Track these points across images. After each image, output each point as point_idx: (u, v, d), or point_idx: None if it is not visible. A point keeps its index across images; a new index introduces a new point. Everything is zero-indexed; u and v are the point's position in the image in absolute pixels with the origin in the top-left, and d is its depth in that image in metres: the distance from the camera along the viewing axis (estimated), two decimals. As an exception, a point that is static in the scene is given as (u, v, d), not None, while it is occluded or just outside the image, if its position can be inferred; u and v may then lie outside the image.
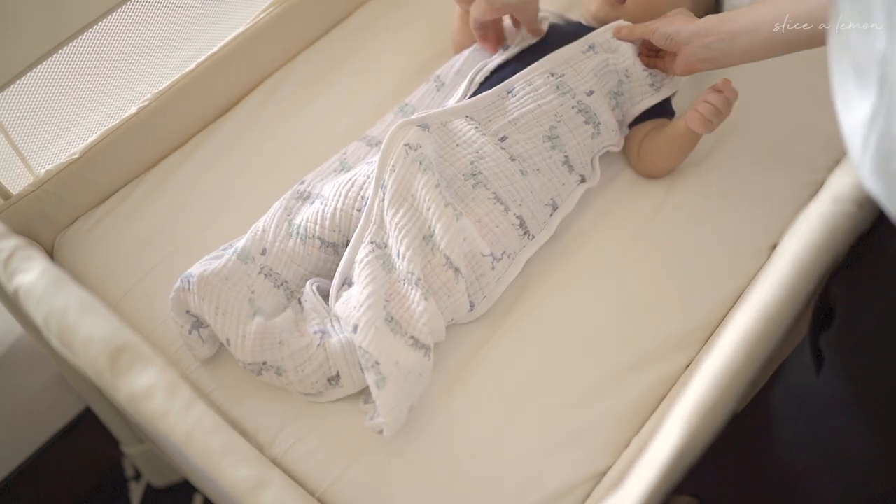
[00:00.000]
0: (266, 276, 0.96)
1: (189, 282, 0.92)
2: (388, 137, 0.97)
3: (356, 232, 0.96)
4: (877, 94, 0.56)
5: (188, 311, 0.93)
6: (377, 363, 0.84)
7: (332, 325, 0.91)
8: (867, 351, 0.74)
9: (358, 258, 0.94)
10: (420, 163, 0.95)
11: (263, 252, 0.97)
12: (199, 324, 0.93)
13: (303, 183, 1.04)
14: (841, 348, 0.76)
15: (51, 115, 1.10)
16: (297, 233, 0.98)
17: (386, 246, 0.95)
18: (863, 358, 0.75)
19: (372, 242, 0.94)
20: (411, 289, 0.91)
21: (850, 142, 0.60)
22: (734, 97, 1.02)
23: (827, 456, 0.83)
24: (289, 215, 1.00)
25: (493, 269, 0.97)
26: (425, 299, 0.90)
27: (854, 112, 0.58)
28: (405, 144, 0.96)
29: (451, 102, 1.07)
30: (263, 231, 0.98)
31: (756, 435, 0.93)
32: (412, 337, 0.89)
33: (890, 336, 0.72)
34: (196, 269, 0.94)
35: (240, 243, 0.97)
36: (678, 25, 1.02)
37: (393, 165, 0.96)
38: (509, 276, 1.00)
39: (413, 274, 0.91)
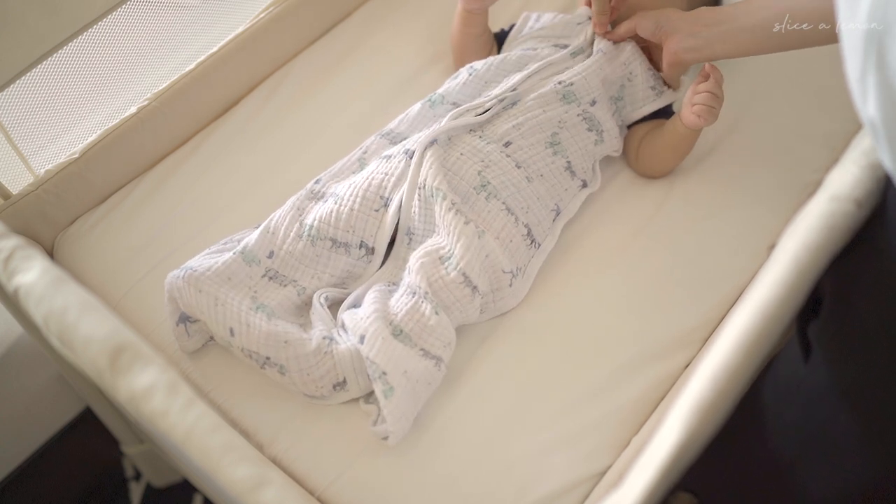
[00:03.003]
0: (271, 278, 0.96)
1: (186, 276, 0.92)
2: (406, 189, 0.97)
3: (379, 271, 0.98)
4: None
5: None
6: (384, 373, 0.84)
7: (339, 334, 0.92)
8: (855, 338, 0.74)
9: (374, 287, 0.95)
10: (432, 195, 0.96)
11: (270, 255, 0.97)
12: (187, 316, 0.93)
13: (318, 182, 1.03)
14: (829, 337, 0.76)
15: (51, 115, 1.09)
16: (308, 234, 0.97)
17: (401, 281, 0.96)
18: (851, 345, 0.75)
19: (391, 283, 0.97)
20: (421, 301, 0.90)
21: (853, 91, 0.60)
22: (721, 78, 1.01)
23: (817, 444, 0.84)
24: (301, 215, 0.99)
25: (510, 285, 0.98)
26: (437, 313, 0.90)
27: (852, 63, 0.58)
28: (418, 188, 0.97)
29: (496, 91, 1.05)
30: (273, 232, 0.98)
31: (747, 427, 0.93)
32: (422, 349, 0.89)
33: (877, 324, 0.72)
34: (198, 265, 0.94)
35: (249, 239, 0.97)
36: (666, 15, 1.02)
37: (415, 212, 0.97)
38: (521, 292, 1.00)
39: (420, 287, 0.91)
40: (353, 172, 1.05)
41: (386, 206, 0.98)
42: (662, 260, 1.04)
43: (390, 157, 1.00)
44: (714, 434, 0.64)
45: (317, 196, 1.01)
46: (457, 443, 0.90)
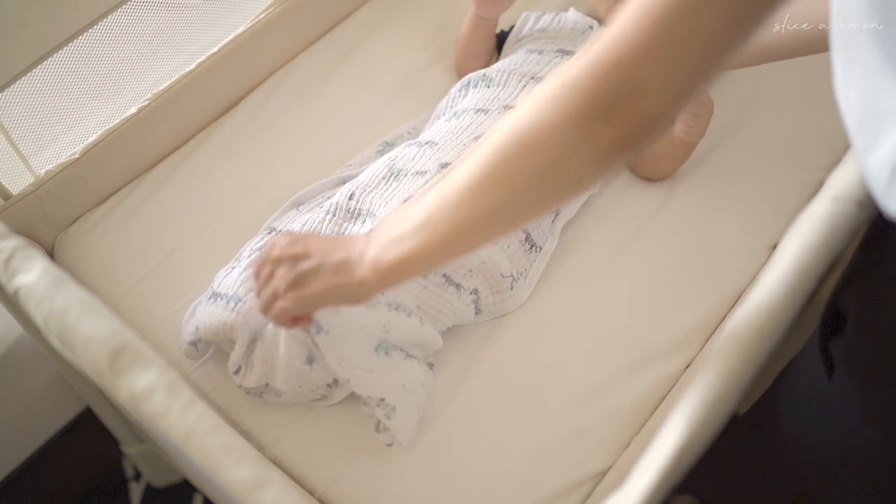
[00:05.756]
0: None
1: (235, 306, 0.89)
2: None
3: None
4: None
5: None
6: (382, 399, 0.84)
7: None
8: (883, 357, 0.71)
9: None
10: None
11: None
12: (199, 339, 0.93)
13: (352, 198, 0.96)
14: (856, 354, 0.72)
15: (51, 115, 1.09)
16: None
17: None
18: (879, 364, 0.71)
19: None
20: (404, 315, 0.89)
21: (876, 174, 0.55)
22: (707, 97, 1.01)
23: (847, 463, 0.80)
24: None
25: (511, 288, 0.97)
26: (422, 324, 0.90)
27: (888, 142, 0.54)
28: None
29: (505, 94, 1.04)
30: None
31: (763, 438, 0.90)
32: (401, 350, 0.88)
33: None
34: (242, 291, 0.90)
35: None
36: None
37: None
38: (524, 295, 1.00)
39: (403, 302, 0.89)
40: (384, 179, 0.97)
41: None
42: (663, 260, 1.04)
43: (424, 173, 0.96)
44: (715, 435, 0.64)
45: (354, 214, 0.95)
46: (457, 443, 0.90)
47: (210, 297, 0.93)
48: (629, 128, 0.52)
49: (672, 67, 0.50)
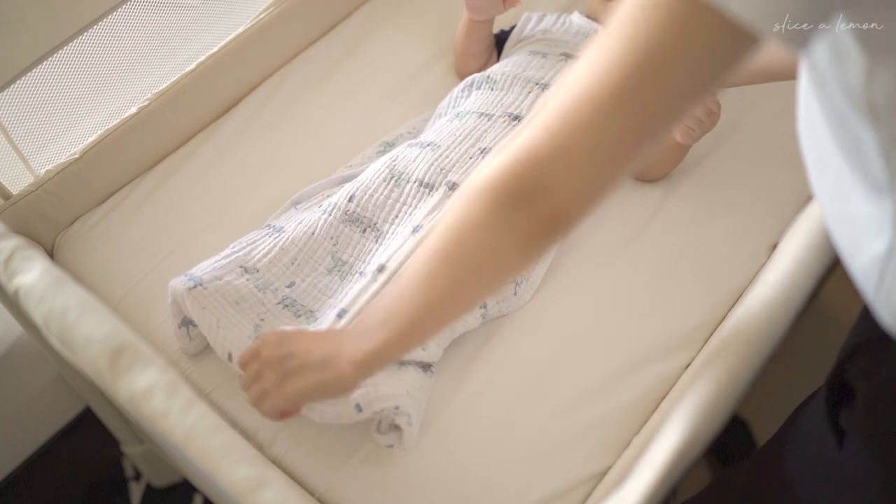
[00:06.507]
0: (286, 306, 0.93)
1: (193, 291, 0.89)
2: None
3: None
4: (891, 227, 0.53)
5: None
6: (397, 407, 0.84)
7: None
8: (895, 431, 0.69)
9: None
10: None
11: (291, 285, 0.94)
12: (189, 320, 0.93)
13: (352, 200, 0.97)
14: (868, 426, 0.71)
15: (51, 115, 1.09)
16: (339, 269, 0.93)
17: None
18: (893, 438, 0.70)
19: None
20: None
21: (863, 281, 0.57)
22: (717, 108, 1.00)
23: None
24: (334, 245, 0.95)
25: (514, 294, 0.97)
26: (424, 350, 0.89)
27: (866, 250, 0.55)
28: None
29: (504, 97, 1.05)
30: (299, 264, 0.95)
31: (773, 498, 0.89)
32: (402, 362, 0.88)
33: None
34: (206, 277, 0.91)
35: (263, 261, 0.94)
36: None
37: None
38: (525, 297, 1.00)
39: None
40: (385, 181, 0.97)
41: None
42: (663, 260, 1.04)
43: (431, 187, 0.96)
44: (715, 436, 0.64)
45: (353, 219, 0.96)
46: (457, 443, 0.90)
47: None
48: (545, 219, 0.57)
49: (578, 169, 0.54)
